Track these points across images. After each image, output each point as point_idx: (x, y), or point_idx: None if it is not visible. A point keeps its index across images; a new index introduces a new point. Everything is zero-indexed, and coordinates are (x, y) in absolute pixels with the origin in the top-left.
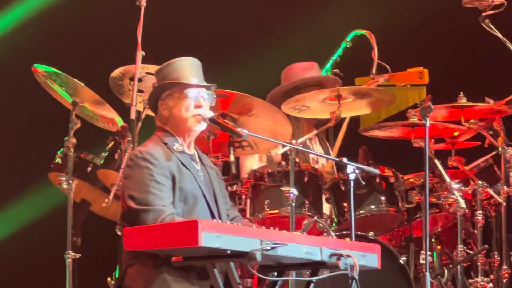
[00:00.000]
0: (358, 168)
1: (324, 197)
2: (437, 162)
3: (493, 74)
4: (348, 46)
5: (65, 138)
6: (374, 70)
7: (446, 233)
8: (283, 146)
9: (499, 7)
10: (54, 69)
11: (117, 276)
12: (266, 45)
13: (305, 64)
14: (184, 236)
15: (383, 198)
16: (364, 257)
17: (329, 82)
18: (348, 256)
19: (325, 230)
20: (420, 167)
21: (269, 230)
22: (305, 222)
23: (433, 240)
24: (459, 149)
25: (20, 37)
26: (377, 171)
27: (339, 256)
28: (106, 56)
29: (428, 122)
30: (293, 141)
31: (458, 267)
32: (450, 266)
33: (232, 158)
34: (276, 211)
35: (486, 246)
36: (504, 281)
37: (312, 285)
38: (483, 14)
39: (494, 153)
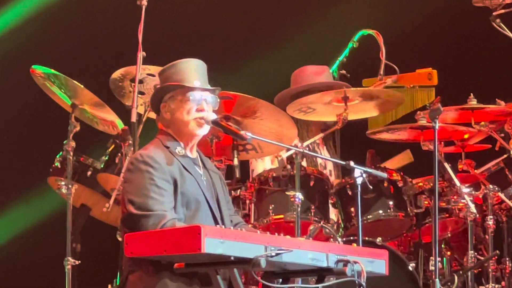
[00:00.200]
0: (365, 172)
1: (330, 201)
2: (446, 165)
3: (504, 74)
4: (355, 46)
5: (64, 142)
6: (381, 71)
7: (456, 239)
8: (288, 149)
9: (511, 6)
10: (53, 71)
11: (117, 283)
12: (271, 46)
13: (316, 68)
14: (187, 242)
15: (391, 202)
16: (372, 263)
17: (340, 88)
18: (355, 262)
19: (332, 236)
20: (429, 171)
21: (274, 236)
22: (311, 227)
23: (442, 246)
24: (470, 152)
25: (18, 37)
26: (385, 175)
27: (346, 263)
28: (106, 57)
29: (437, 125)
30: (299, 144)
31: (469, 273)
32: (460, 272)
33: (236, 162)
34: (281, 216)
35: (497, 252)
36: None
37: None
38: (494, 13)
39: (505, 156)
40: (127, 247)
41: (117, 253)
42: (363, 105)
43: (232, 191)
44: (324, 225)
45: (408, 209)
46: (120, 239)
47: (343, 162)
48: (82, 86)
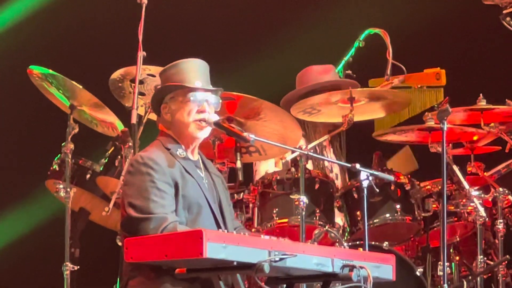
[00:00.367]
0: (371, 174)
1: (336, 205)
2: (455, 168)
3: None
4: (361, 45)
5: (62, 144)
6: (388, 71)
7: (465, 243)
8: (293, 151)
9: None
10: (51, 71)
11: None
12: (275, 45)
13: (321, 67)
14: (188, 247)
15: (398, 206)
16: (378, 268)
17: (347, 87)
18: (361, 267)
19: (337, 240)
20: (437, 174)
21: (278, 240)
22: (316, 231)
23: (451, 250)
24: (479, 154)
25: (15, 37)
26: (392, 177)
27: (352, 268)
28: (105, 57)
29: (445, 126)
30: (304, 146)
31: (478, 279)
32: (470, 278)
33: (238, 164)
34: (286, 220)
35: (507, 256)
36: None
37: None
38: (504, 12)
39: None
40: (127, 252)
41: (117, 258)
42: (369, 106)
43: (235, 195)
44: (329, 229)
45: (416, 212)
46: (120, 243)
47: (349, 165)
48: (80, 86)
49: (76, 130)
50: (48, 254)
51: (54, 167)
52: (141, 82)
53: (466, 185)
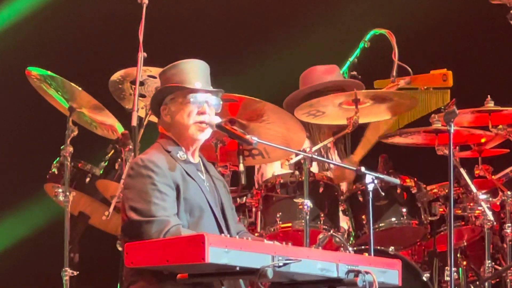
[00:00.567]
0: (377, 177)
1: (340, 209)
2: (462, 171)
3: None
4: (366, 46)
5: (61, 147)
6: (394, 72)
7: (473, 248)
8: (296, 154)
9: None
10: (49, 72)
11: None
12: (278, 46)
13: (325, 67)
14: (190, 252)
15: (404, 210)
16: (384, 273)
17: (352, 87)
18: (367, 272)
19: (342, 245)
20: (444, 177)
21: (282, 245)
22: (320, 236)
23: (458, 255)
24: (486, 157)
25: (13, 37)
26: (398, 181)
27: (357, 273)
28: (105, 58)
29: (452, 128)
30: (308, 149)
31: (486, 284)
32: (477, 283)
33: (241, 167)
34: (289, 224)
35: None
36: None
37: None
38: None
39: None
40: (127, 256)
41: (117, 263)
42: (374, 108)
43: (238, 198)
44: (334, 233)
45: (422, 216)
46: (120, 248)
47: (354, 168)
48: (80, 88)
49: (76, 132)
50: (47, 259)
51: (53, 170)
52: (141, 83)
53: (473, 188)
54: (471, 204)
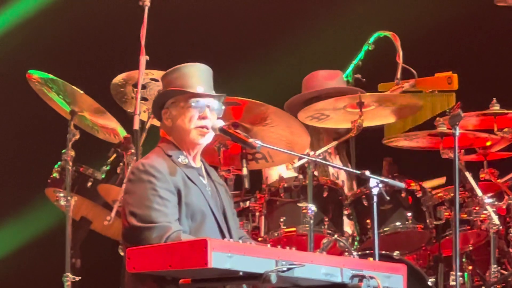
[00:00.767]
0: (382, 181)
1: (345, 213)
2: (468, 174)
3: None
4: (370, 49)
5: (62, 151)
6: (398, 75)
7: (478, 252)
8: (300, 158)
9: None
10: (50, 76)
11: None
12: (282, 49)
13: (328, 72)
14: (193, 257)
15: (409, 214)
16: (389, 278)
17: (353, 93)
18: (371, 277)
19: (346, 250)
20: (449, 180)
21: (285, 250)
22: (325, 240)
23: (464, 259)
24: (492, 160)
25: (13, 40)
26: (402, 185)
27: (362, 278)
28: (107, 61)
29: (458, 131)
30: (311, 153)
31: None
32: None
33: (245, 171)
34: (293, 229)
35: None
36: None
37: None
38: None
39: None
40: (129, 262)
41: (119, 268)
42: (379, 111)
43: (241, 203)
44: (338, 238)
45: (427, 221)
46: (122, 253)
47: (358, 172)
48: (81, 91)
49: (77, 136)
50: (48, 265)
51: (54, 175)
52: (143, 87)
53: (479, 192)
54: (477, 208)
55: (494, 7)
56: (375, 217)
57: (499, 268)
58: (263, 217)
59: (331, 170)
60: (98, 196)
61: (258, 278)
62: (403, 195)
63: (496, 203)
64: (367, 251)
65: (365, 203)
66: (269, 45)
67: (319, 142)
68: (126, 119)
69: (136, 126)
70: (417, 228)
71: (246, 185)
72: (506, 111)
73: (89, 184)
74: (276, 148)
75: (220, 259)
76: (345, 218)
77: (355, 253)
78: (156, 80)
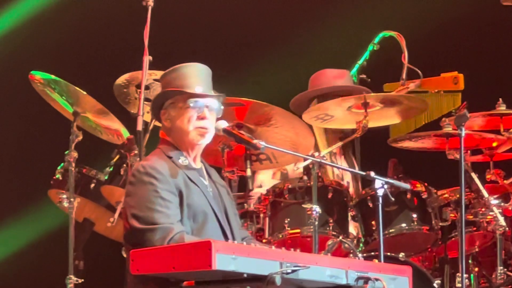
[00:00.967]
0: (387, 183)
1: (350, 214)
2: (474, 175)
3: None
4: (375, 49)
5: (65, 152)
6: (404, 75)
7: (485, 254)
8: (305, 159)
9: None
10: (53, 76)
11: None
12: (286, 49)
13: (336, 72)
14: (197, 259)
15: (414, 215)
16: (394, 280)
17: (360, 93)
18: (377, 279)
19: (351, 251)
20: (455, 182)
21: (290, 252)
22: (329, 242)
23: (470, 261)
24: (498, 161)
25: (16, 41)
26: (408, 186)
27: (367, 280)
28: (110, 62)
29: (463, 132)
30: (316, 154)
31: None
32: None
33: (249, 172)
34: (298, 230)
35: None
36: None
37: None
38: None
39: None
40: (133, 264)
41: (122, 270)
42: (384, 112)
43: (245, 204)
44: (343, 239)
45: (433, 222)
46: (125, 255)
47: (363, 173)
48: (84, 92)
49: (80, 137)
50: (51, 267)
51: (57, 176)
52: (147, 87)
53: (485, 193)
54: (483, 209)
55: (501, 7)
56: (380, 218)
57: (505, 269)
58: (267, 219)
59: (335, 171)
60: (101, 198)
61: (263, 280)
62: (408, 196)
63: (502, 204)
64: (372, 253)
65: (370, 205)
66: (274, 45)
67: (325, 142)
68: (129, 120)
69: (140, 127)
70: (422, 230)
71: (250, 186)
72: None
73: (92, 185)
74: (280, 149)
75: (224, 261)
76: (350, 220)
77: (360, 255)
78: (159, 81)
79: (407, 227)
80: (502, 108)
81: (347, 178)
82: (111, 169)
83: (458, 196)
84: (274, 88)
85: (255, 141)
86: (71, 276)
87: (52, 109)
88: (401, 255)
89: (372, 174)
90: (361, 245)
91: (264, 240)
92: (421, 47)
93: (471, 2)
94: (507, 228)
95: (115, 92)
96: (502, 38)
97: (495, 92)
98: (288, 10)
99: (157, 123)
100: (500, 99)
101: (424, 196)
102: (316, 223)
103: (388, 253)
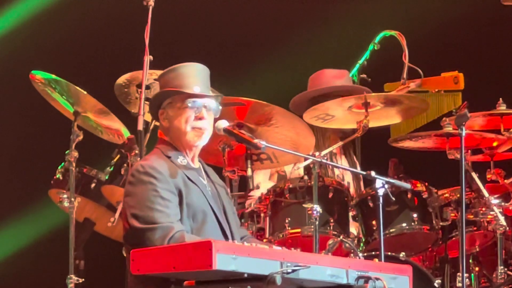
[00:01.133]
0: (387, 182)
1: (350, 214)
2: (474, 175)
3: None
4: (376, 48)
5: (66, 152)
6: (404, 75)
7: (485, 253)
8: (306, 159)
9: None
10: (54, 76)
11: None
12: (287, 49)
13: (335, 72)
14: (197, 258)
15: (415, 215)
16: (395, 280)
17: (360, 93)
18: (377, 279)
19: (352, 251)
20: (455, 181)
21: (290, 251)
22: (330, 242)
23: (470, 261)
24: (499, 161)
25: (16, 41)
26: (408, 185)
27: (367, 279)
28: (110, 61)
29: (464, 132)
30: (316, 154)
31: None
32: None
33: (249, 172)
34: (298, 230)
35: None
36: None
37: None
38: None
39: None
40: (133, 263)
41: (123, 270)
42: (385, 111)
43: (246, 204)
44: (343, 239)
45: (434, 222)
46: (126, 255)
47: (364, 172)
48: (85, 92)
49: (81, 137)
50: (52, 266)
51: (57, 176)
52: (147, 87)
53: (485, 193)
54: (483, 209)
55: (501, 7)
56: (381, 218)
57: (506, 269)
58: (268, 218)
59: (336, 170)
60: (102, 197)
61: (263, 280)
62: (409, 196)
63: (503, 203)
64: (373, 253)
65: (371, 204)
66: (274, 45)
67: (325, 141)
68: (130, 120)
69: (140, 126)
70: (423, 229)
71: (251, 185)
72: None
73: (93, 185)
74: (281, 148)
75: (224, 260)
76: (350, 219)
77: (360, 255)
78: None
79: (407, 227)
80: (502, 108)
81: (348, 178)
82: (112, 169)
83: (458, 195)
84: (274, 88)
85: (256, 141)
86: (72, 275)
87: (53, 109)
88: (402, 254)
89: (373, 173)
90: (361, 244)
91: (264, 240)
92: (421, 46)
93: (471, 2)
94: (507, 228)
95: (116, 92)
96: (502, 38)
97: (495, 92)
98: (288, 10)
99: (158, 123)
100: (501, 98)
101: (425, 195)
102: (317, 222)
103: (389, 253)
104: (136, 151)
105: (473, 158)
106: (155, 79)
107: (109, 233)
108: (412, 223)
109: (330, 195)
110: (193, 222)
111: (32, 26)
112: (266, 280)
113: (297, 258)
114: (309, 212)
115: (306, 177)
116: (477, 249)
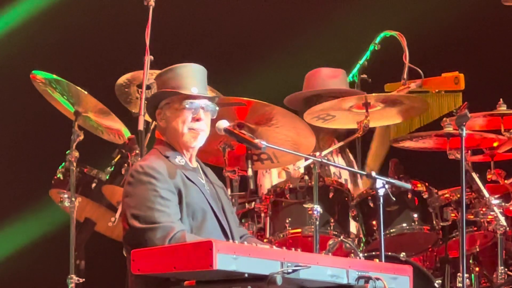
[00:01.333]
0: (388, 182)
1: (351, 214)
2: (474, 175)
3: None
4: (376, 49)
5: (66, 152)
6: (405, 75)
7: (485, 254)
8: (306, 159)
9: None
10: (55, 76)
11: None
12: (287, 49)
13: (331, 71)
14: (198, 258)
15: (415, 215)
16: (395, 280)
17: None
18: (378, 279)
19: (352, 251)
20: (456, 181)
21: (291, 251)
22: (330, 242)
23: (470, 261)
24: (499, 161)
25: (17, 40)
26: (409, 186)
27: (368, 279)
28: (111, 61)
29: (464, 132)
30: (317, 154)
31: None
32: None
33: (250, 172)
34: (299, 230)
35: None
36: None
37: None
38: None
39: None
40: (133, 263)
41: (123, 270)
42: (385, 112)
43: (246, 204)
44: (344, 239)
45: (434, 222)
46: (126, 255)
47: (364, 172)
48: (85, 92)
49: (81, 137)
50: (52, 266)
51: (58, 176)
52: (148, 87)
53: (486, 193)
54: (484, 209)
55: (501, 7)
56: (381, 218)
57: (506, 269)
58: (268, 218)
59: (332, 169)
60: (103, 197)
61: (264, 280)
62: (409, 196)
63: (503, 204)
64: (373, 253)
65: (371, 204)
66: (275, 45)
67: (319, 141)
68: (130, 120)
69: (141, 126)
70: (423, 230)
71: (252, 185)
72: None
73: (94, 185)
74: (281, 148)
75: (225, 260)
76: (351, 219)
77: (361, 255)
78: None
79: (408, 227)
80: (503, 108)
81: (345, 176)
82: (112, 168)
83: (459, 196)
84: (274, 88)
85: (256, 141)
86: (72, 275)
87: (54, 109)
88: (402, 255)
89: (373, 173)
90: (362, 244)
91: (265, 240)
92: (422, 47)
93: (472, 2)
94: (508, 228)
95: (117, 92)
96: (502, 38)
97: (496, 92)
98: (288, 10)
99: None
100: (501, 99)
101: (425, 196)
102: (317, 222)
103: (389, 253)
104: (137, 151)
105: (474, 159)
106: (155, 79)
107: (109, 233)
108: (413, 223)
109: (331, 195)
110: (192, 220)
111: (33, 26)
112: (267, 280)
113: (298, 258)
114: (310, 212)
115: (306, 177)
116: (478, 249)
